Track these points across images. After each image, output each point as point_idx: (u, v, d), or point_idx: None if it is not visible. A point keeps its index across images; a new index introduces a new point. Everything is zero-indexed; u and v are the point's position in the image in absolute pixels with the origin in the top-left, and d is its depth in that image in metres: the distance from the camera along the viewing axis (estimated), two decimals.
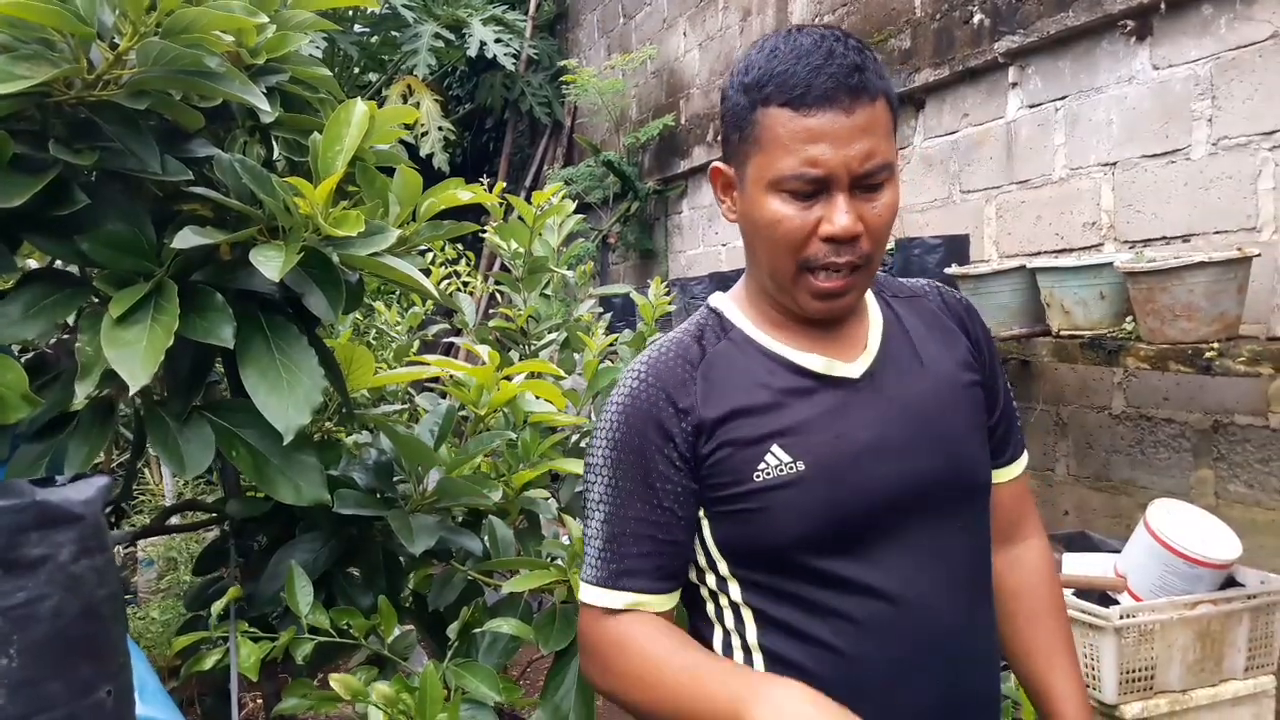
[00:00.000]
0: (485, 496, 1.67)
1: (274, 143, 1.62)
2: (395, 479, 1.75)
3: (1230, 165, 2.68)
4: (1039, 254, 3.37)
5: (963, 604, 1.15)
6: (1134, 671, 2.25)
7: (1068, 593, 2.43)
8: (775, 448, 1.10)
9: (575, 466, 1.83)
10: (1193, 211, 2.80)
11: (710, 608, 1.19)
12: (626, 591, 1.14)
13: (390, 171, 1.58)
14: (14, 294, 1.31)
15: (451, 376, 1.93)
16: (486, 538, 1.76)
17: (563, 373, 2.15)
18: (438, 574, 1.79)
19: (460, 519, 1.84)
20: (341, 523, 1.66)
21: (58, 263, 1.47)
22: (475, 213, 2.05)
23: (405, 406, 2.51)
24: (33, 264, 1.60)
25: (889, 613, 1.10)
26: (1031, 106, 3.40)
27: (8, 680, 0.73)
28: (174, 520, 2.10)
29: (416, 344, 3.34)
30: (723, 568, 1.16)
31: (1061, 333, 2.77)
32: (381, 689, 1.41)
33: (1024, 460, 1.35)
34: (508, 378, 1.87)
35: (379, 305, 3.48)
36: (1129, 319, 2.62)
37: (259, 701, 2.58)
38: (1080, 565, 2.61)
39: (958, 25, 3.71)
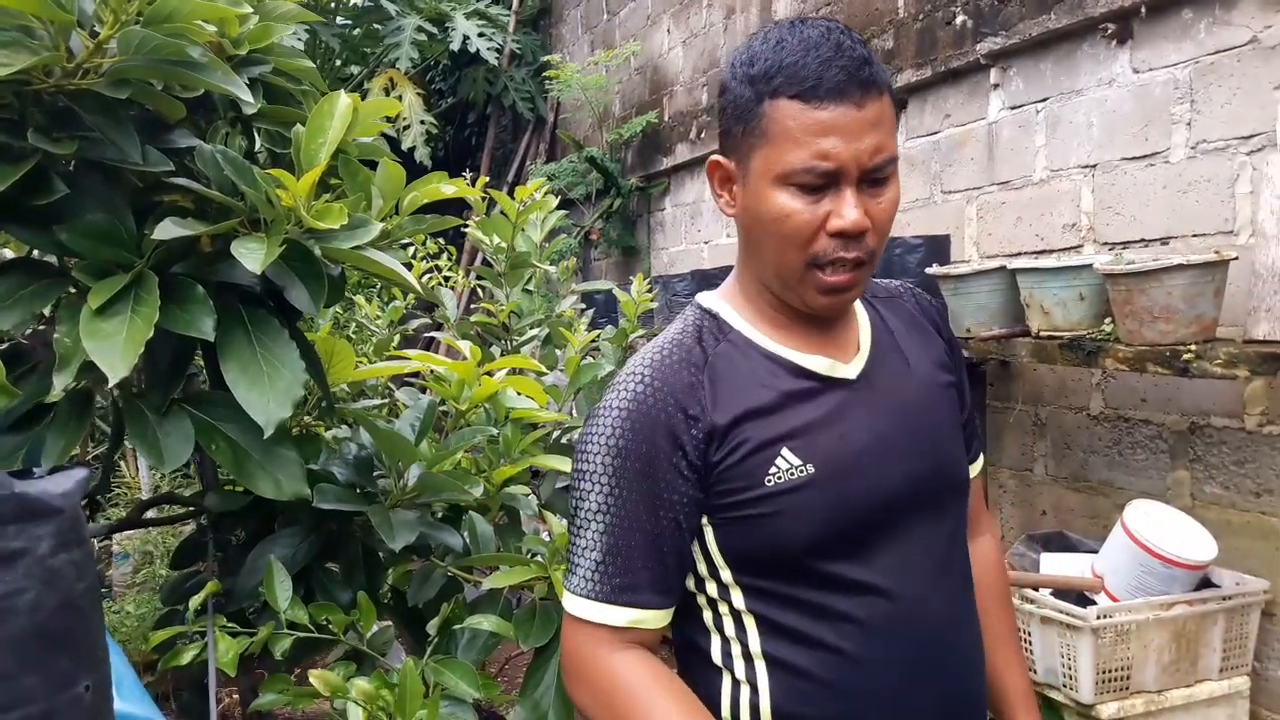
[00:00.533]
0: (466, 492, 1.66)
1: (256, 134, 1.61)
2: (375, 474, 1.74)
3: (1209, 169, 2.71)
4: (1019, 255, 3.38)
5: (953, 598, 1.17)
6: (1110, 671, 2.27)
7: (1045, 592, 2.45)
8: (785, 450, 1.09)
9: (556, 463, 1.83)
10: (1171, 214, 2.82)
11: (708, 615, 1.16)
12: (628, 608, 1.09)
13: (373, 164, 1.57)
14: None
15: (432, 371, 1.92)
16: (467, 534, 1.75)
17: (544, 369, 2.15)
18: (417, 570, 1.78)
19: (440, 515, 1.84)
20: (321, 518, 1.65)
21: (35, 252, 1.46)
22: (457, 207, 2.04)
23: (385, 401, 2.49)
24: (8, 253, 1.58)
25: (890, 613, 1.10)
26: (1013, 108, 3.42)
27: None
28: (150, 514, 2.08)
29: (397, 338, 3.33)
30: (726, 575, 1.13)
31: (1041, 333, 2.78)
32: (361, 685, 1.40)
33: (981, 459, 1.40)
34: (489, 373, 1.86)
35: (359, 299, 3.46)
36: (1108, 320, 2.63)
37: (235, 697, 2.56)
38: (1057, 565, 2.63)
39: (940, 26, 3.73)
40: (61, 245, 1.30)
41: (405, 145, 7.01)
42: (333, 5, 7.10)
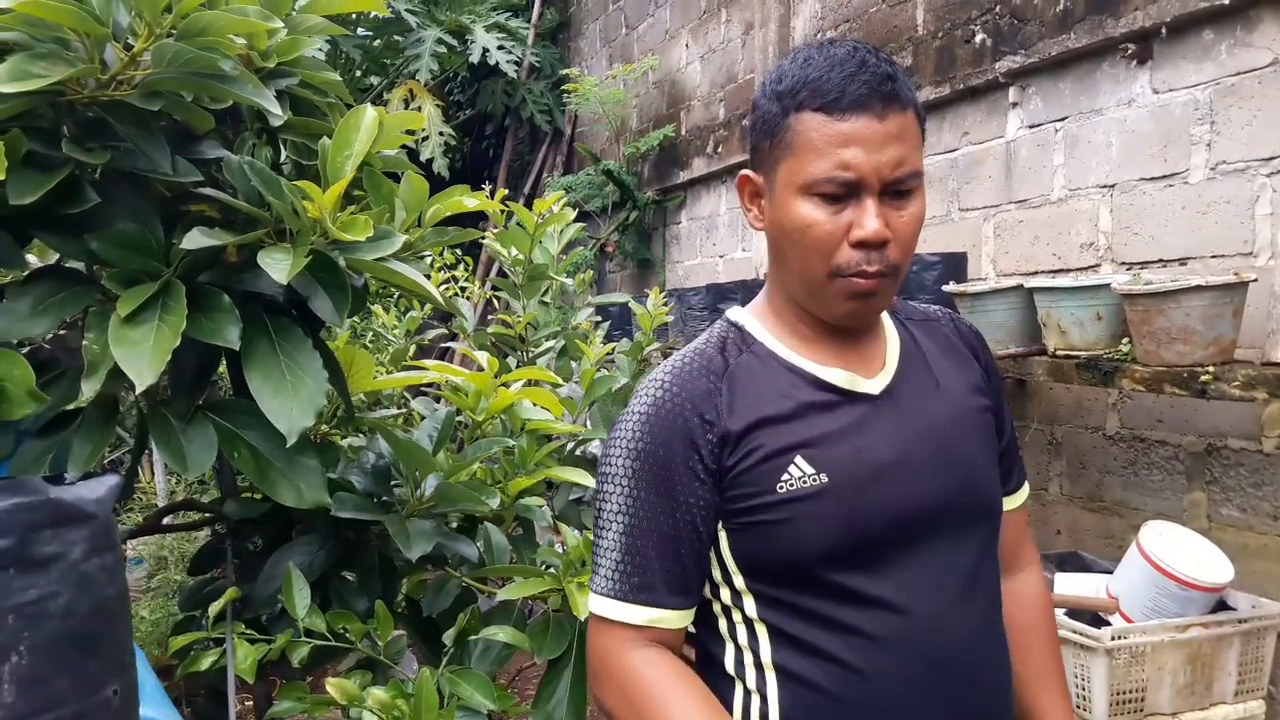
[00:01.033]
0: (482, 503, 1.67)
1: (282, 146, 1.62)
2: (392, 483, 1.75)
3: (1228, 190, 2.70)
4: (1036, 273, 3.38)
5: (976, 624, 1.15)
6: (1124, 693, 2.26)
7: (1059, 613, 2.44)
8: (799, 459, 1.10)
9: (571, 475, 1.83)
10: (1190, 235, 2.82)
11: (723, 624, 1.18)
12: (646, 606, 1.12)
13: (396, 177, 1.59)
14: (22, 290, 1.31)
15: (449, 382, 1.93)
16: (482, 544, 1.76)
17: (560, 380, 2.16)
18: (432, 580, 1.79)
19: (456, 525, 1.84)
20: (338, 526, 1.66)
21: (66, 260, 1.48)
22: (475, 218, 2.06)
23: (402, 411, 2.51)
24: (33, 259, 1.60)
25: (904, 630, 1.10)
26: (1031, 127, 3.42)
27: (17, 677, 0.73)
28: (167, 520, 2.09)
29: (413, 348, 3.34)
30: (739, 582, 1.15)
31: (1058, 352, 2.78)
32: (377, 694, 1.41)
33: (1025, 491, 1.37)
34: (505, 384, 1.87)
35: (377, 309, 3.48)
36: (1125, 340, 2.63)
37: (248, 704, 2.57)
38: (1072, 586, 2.62)
39: (959, 44, 3.74)
40: (92, 253, 1.32)
41: (424, 156, 7.05)
42: (354, 16, 7.15)
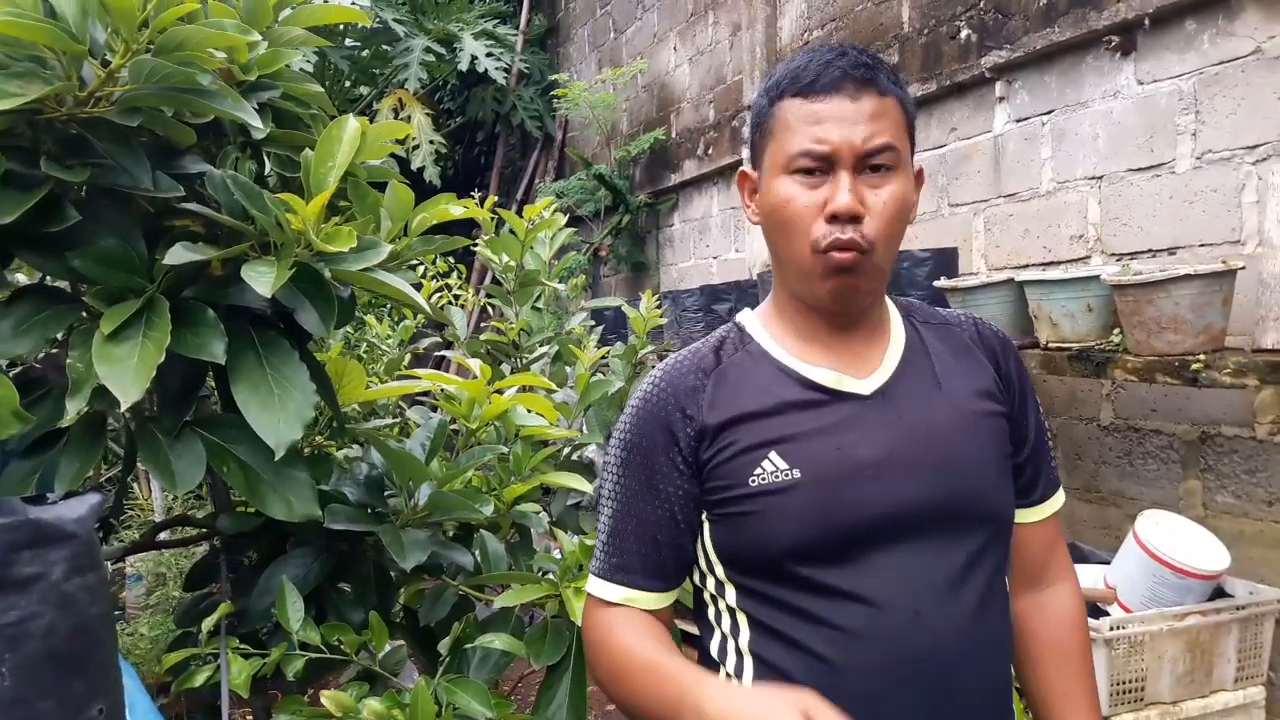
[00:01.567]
0: (477, 511, 1.66)
1: (266, 158, 1.62)
2: (386, 494, 1.74)
3: (1214, 179, 2.71)
4: (1027, 266, 3.39)
5: (962, 626, 1.14)
6: (1125, 683, 2.26)
7: None
8: (773, 454, 1.13)
9: (567, 480, 1.83)
10: (1178, 225, 2.83)
11: (711, 611, 1.22)
12: (620, 585, 1.20)
13: (382, 186, 1.59)
14: (5, 310, 1.30)
15: (443, 390, 1.93)
16: (478, 552, 1.75)
17: (554, 386, 2.16)
18: (429, 589, 1.79)
19: (451, 533, 1.84)
20: (332, 538, 1.66)
21: (48, 279, 1.47)
22: (467, 226, 2.06)
23: (396, 421, 2.51)
24: (21, 279, 1.59)
25: (878, 625, 1.10)
26: (1018, 121, 3.43)
27: (0, 699, 0.73)
28: (163, 536, 2.09)
29: (408, 357, 3.34)
30: (720, 572, 1.19)
31: (1049, 345, 2.78)
32: (373, 705, 1.40)
33: (1055, 503, 1.33)
34: (499, 391, 1.87)
35: (370, 319, 3.48)
36: (1116, 331, 2.63)
37: (249, 718, 2.57)
38: None
39: (945, 40, 3.74)
40: (74, 271, 1.31)
41: (415, 165, 7.05)
42: (341, 27, 7.15)
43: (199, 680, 1.50)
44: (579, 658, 1.56)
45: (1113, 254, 3.05)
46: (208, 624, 1.53)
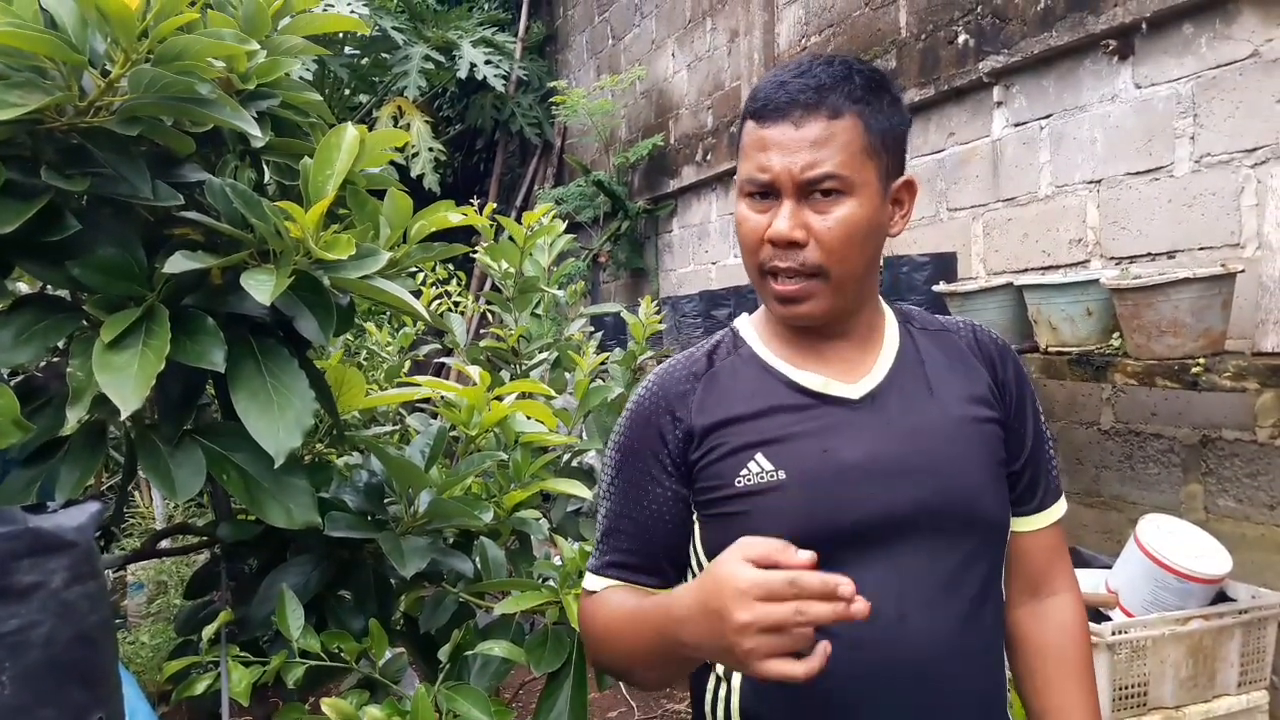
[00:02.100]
0: (476, 518, 1.66)
1: (265, 167, 1.62)
2: (386, 501, 1.74)
3: (1213, 182, 2.71)
4: (1026, 271, 3.39)
5: (952, 635, 1.14)
6: (1127, 688, 2.26)
7: None
8: (759, 455, 1.14)
9: (566, 486, 1.83)
10: (1177, 228, 2.83)
11: None
12: (609, 579, 1.23)
13: (381, 194, 1.59)
14: (6, 319, 1.30)
15: (442, 397, 1.93)
16: (478, 559, 1.75)
17: (554, 392, 2.16)
18: (429, 596, 1.78)
19: (451, 540, 1.84)
20: (332, 545, 1.66)
21: (49, 288, 1.48)
22: (466, 233, 2.07)
23: (396, 428, 2.51)
24: (22, 288, 1.60)
25: (865, 631, 1.09)
26: (1017, 125, 3.43)
27: (0, 707, 0.73)
28: (164, 544, 2.09)
29: (408, 364, 3.34)
30: None
31: (1049, 349, 2.78)
32: (373, 713, 1.40)
33: (1056, 511, 1.31)
34: (499, 398, 1.87)
35: (370, 326, 3.48)
36: (1116, 335, 2.63)
37: None
38: None
39: (943, 45, 3.75)
40: (74, 280, 1.32)
41: (414, 172, 7.06)
42: (340, 36, 7.17)
43: (200, 688, 1.50)
44: (579, 665, 1.56)
45: (1112, 258, 3.05)
46: (208, 632, 1.53)
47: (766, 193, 1.14)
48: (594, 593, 1.24)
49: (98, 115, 1.29)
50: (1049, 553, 1.32)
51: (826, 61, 1.16)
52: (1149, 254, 2.92)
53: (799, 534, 1.10)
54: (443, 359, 3.33)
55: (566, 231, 2.65)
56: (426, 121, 7.45)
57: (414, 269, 1.98)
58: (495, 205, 2.60)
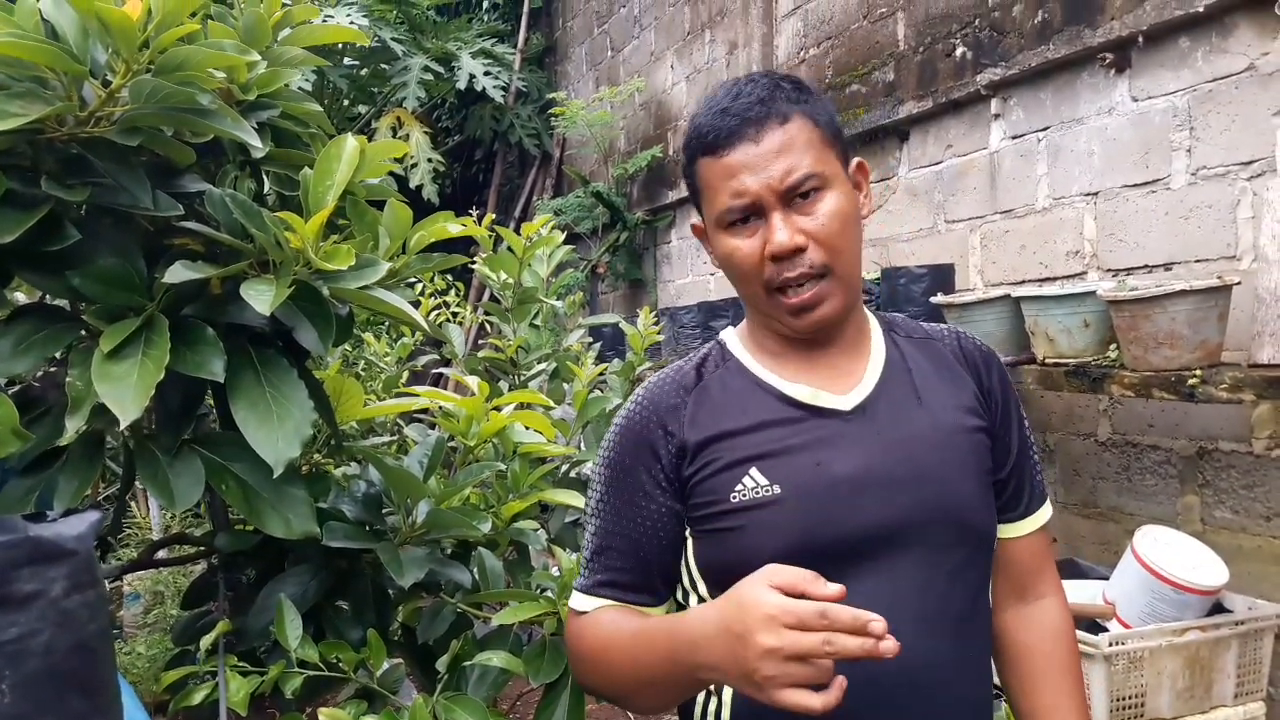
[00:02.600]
0: (474, 528, 1.66)
1: (265, 177, 1.63)
2: (384, 511, 1.74)
3: (1210, 195, 2.72)
4: (1023, 282, 3.40)
5: (945, 646, 1.14)
6: (1124, 699, 2.26)
7: None
8: (754, 470, 1.14)
9: (565, 497, 1.83)
10: (1173, 240, 2.84)
11: None
12: (601, 599, 1.21)
13: (380, 205, 1.60)
14: (5, 328, 1.30)
15: (440, 407, 1.93)
16: (476, 569, 1.75)
17: (552, 403, 2.16)
18: (426, 607, 1.78)
19: (449, 551, 1.84)
20: (330, 555, 1.65)
21: (48, 297, 1.48)
22: (465, 244, 2.08)
23: (394, 438, 2.51)
24: (21, 297, 1.60)
25: None
26: (1014, 137, 3.45)
27: (0, 716, 0.73)
28: (161, 554, 2.09)
29: (405, 375, 3.34)
30: (703, 588, 1.19)
31: (1046, 361, 2.79)
32: None
33: (1041, 516, 1.32)
34: (497, 408, 1.87)
35: (368, 337, 3.49)
36: (1113, 347, 2.64)
37: None
38: (1068, 593, 2.61)
39: (940, 58, 3.77)
40: (74, 290, 1.32)
41: (413, 183, 7.07)
42: (340, 46, 7.18)
43: (197, 698, 1.49)
44: None
45: (1109, 270, 3.06)
46: (206, 642, 1.52)
47: (749, 216, 1.14)
48: (584, 613, 1.22)
49: (98, 125, 1.29)
50: (1035, 558, 1.33)
51: (749, 80, 1.18)
52: (1146, 266, 2.93)
53: (795, 548, 1.10)
54: (440, 369, 3.33)
55: (565, 242, 2.66)
56: (425, 132, 7.47)
57: (413, 279, 1.99)
58: (494, 216, 2.61)
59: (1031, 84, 3.34)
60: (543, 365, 2.66)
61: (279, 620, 1.50)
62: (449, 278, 4.15)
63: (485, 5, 8.43)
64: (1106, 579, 2.57)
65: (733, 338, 1.29)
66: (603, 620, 1.19)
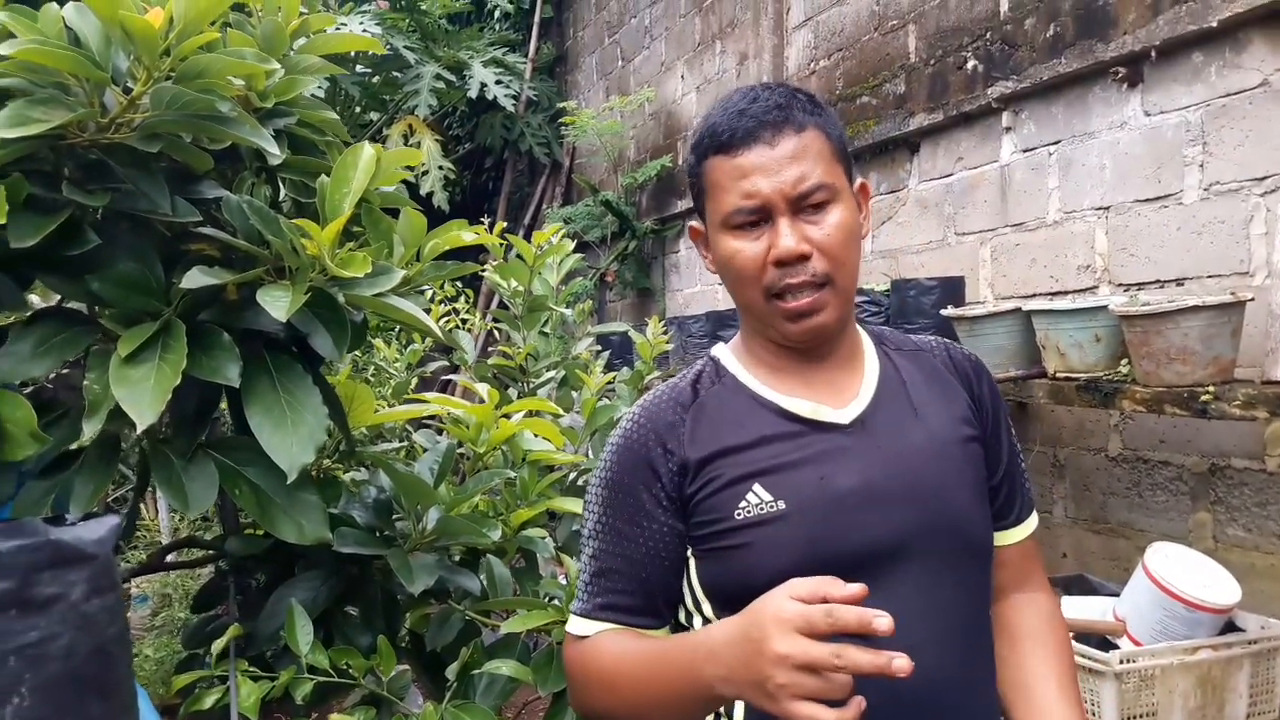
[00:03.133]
0: (483, 535, 1.67)
1: (281, 184, 1.64)
2: (394, 517, 1.75)
3: (1222, 210, 2.72)
4: (1034, 296, 3.39)
5: (955, 660, 1.13)
6: (1135, 717, 2.24)
7: None
8: (757, 486, 1.13)
9: (573, 505, 1.83)
10: (1186, 255, 2.83)
11: None
12: (603, 622, 1.18)
13: (394, 212, 1.60)
14: (24, 332, 1.31)
15: (450, 414, 1.94)
16: (484, 577, 1.75)
17: (561, 410, 2.16)
18: (435, 613, 1.79)
19: (458, 558, 1.84)
20: (340, 561, 1.66)
21: (67, 301, 1.49)
22: (475, 250, 2.09)
23: (403, 444, 2.51)
24: (36, 300, 1.61)
25: None
26: (1025, 150, 3.45)
27: (20, 719, 0.73)
28: (171, 557, 2.09)
29: (415, 381, 3.35)
30: (708, 609, 1.17)
31: (1057, 375, 2.78)
32: None
33: (1032, 523, 1.33)
34: (506, 415, 1.87)
35: (378, 342, 3.49)
36: (1124, 362, 2.64)
37: None
38: (1079, 609, 2.61)
39: (952, 71, 3.77)
40: (92, 294, 1.33)
41: (424, 190, 7.09)
42: (353, 54, 7.21)
43: (208, 703, 1.50)
44: None
45: (1120, 284, 3.05)
46: (217, 646, 1.53)
47: (756, 220, 1.14)
48: (584, 637, 1.19)
49: (119, 131, 1.30)
50: (1026, 561, 1.33)
51: (766, 88, 1.18)
52: (1158, 281, 2.93)
53: (801, 564, 1.09)
54: (450, 376, 3.34)
55: (574, 251, 2.66)
56: (436, 140, 7.49)
57: (424, 286, 1.99)
58: (504, 224, 2.61)
59: (1043, 97, 3.34)
60: (552, 373, 2.66)
61: (289, 625, 1.50)
62: (459, 285, 4.16)
63: (497, 14, 8.46)
64: (1117, 595, 2.55)
65: (726, 354, 1.27)
66: (606, 643, 1.17)
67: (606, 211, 6.72)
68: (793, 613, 0.90)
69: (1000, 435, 1.29)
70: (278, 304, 1.28)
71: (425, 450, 1.92)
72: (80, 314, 1.42)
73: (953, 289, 3.38)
